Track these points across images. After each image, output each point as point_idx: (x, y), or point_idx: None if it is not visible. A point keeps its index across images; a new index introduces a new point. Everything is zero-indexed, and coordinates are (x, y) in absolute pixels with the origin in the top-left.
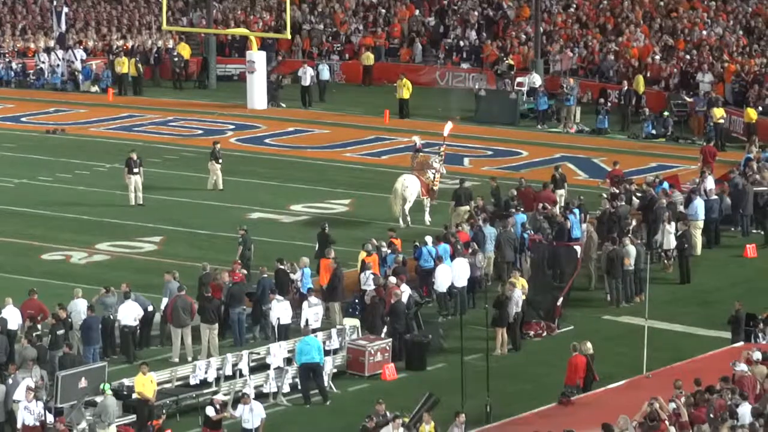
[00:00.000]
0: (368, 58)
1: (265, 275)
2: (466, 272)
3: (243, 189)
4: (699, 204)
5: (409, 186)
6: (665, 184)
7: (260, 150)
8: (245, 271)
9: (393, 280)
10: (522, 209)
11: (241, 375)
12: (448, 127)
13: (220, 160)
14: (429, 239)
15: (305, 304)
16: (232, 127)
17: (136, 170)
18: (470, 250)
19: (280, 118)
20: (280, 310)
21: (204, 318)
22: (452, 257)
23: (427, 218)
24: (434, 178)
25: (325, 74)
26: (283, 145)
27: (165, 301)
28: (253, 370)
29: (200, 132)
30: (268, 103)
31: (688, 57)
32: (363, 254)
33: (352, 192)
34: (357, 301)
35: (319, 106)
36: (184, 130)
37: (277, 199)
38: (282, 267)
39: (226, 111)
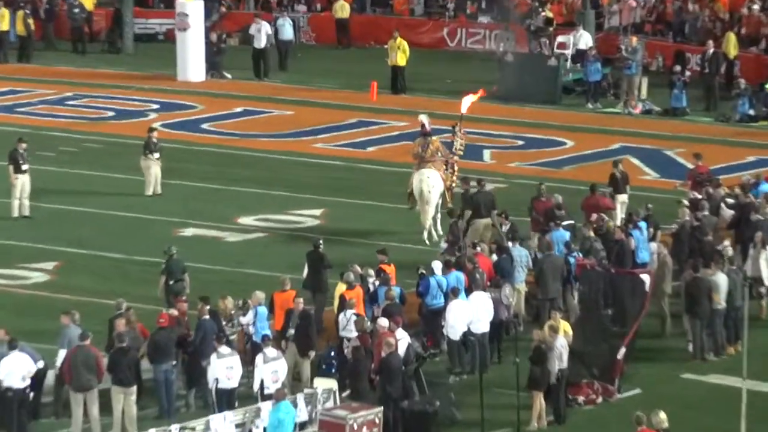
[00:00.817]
0: (345, 8)
1: (206, 317)
2: (488, 312)
3: (172, 195)
4: None
5: (435, 185)
6: (767, 187)
7: (196, 139)
8: (176, 312)
9: (384, 323)
10: (558, 223)
11: None
12: (469, 100)
13: (156, 155)
14: (437, 265)
15: (259, 358)
16: (155, 107)
17: (25, 167)
18: (492, 281)
19: (224, 94)
20: (220, 369)
21: (117, 378)
22: (468, 291)
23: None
24: (451, 170)
25: (287, 32)
26: (228, 132)
27: (62, 354)
28: None
29: (111, 114)
30: (207, 74)
31: None
32: (342, 287)
33: (325, 198)
34: (333, 353)
35: (279, 77)
36: (88, 112)
37: (219, 208)
38: (209, 307)
39: (147, 84)
